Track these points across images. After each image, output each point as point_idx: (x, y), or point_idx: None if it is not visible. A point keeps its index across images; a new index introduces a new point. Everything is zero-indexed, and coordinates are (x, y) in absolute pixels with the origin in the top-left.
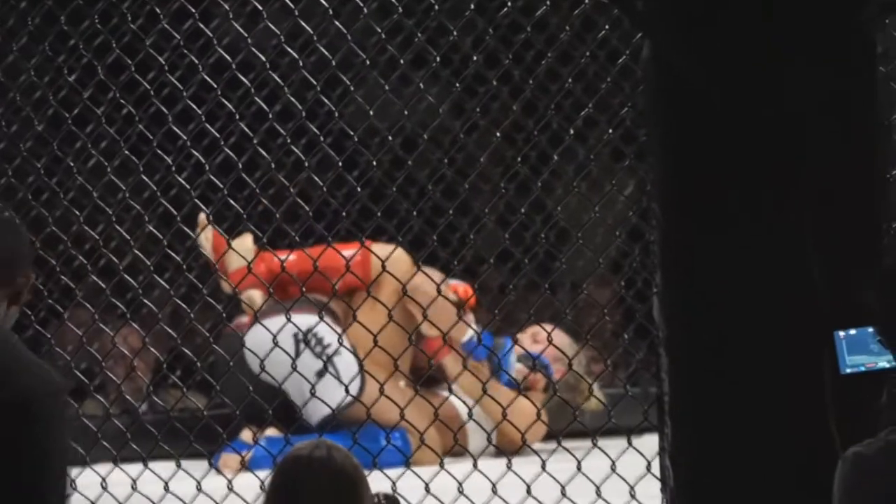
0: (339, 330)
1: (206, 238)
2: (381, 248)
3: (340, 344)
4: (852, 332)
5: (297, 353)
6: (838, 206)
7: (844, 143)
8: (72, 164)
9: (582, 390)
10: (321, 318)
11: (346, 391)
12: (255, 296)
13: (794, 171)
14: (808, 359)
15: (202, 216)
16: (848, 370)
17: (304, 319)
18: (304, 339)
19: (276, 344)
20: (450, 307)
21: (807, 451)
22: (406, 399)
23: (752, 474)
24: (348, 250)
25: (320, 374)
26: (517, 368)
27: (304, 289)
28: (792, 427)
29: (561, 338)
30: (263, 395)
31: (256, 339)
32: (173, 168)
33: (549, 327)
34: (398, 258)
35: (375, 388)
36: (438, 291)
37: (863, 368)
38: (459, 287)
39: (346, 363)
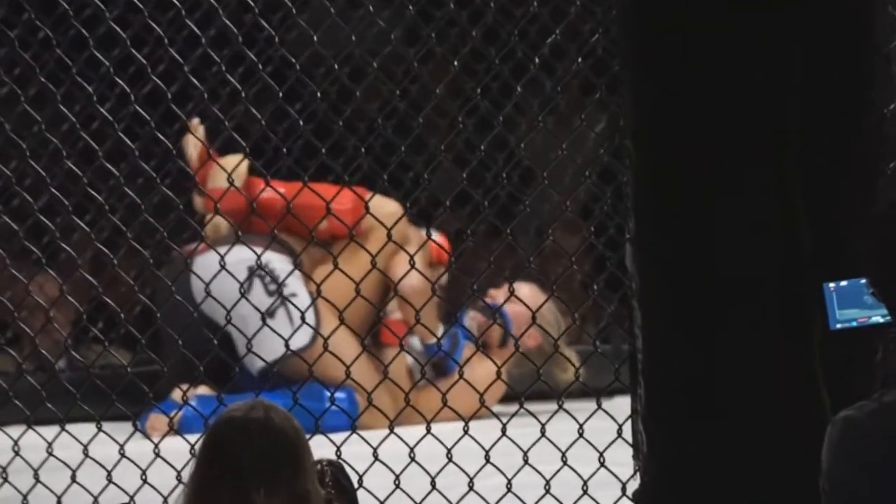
0: (297, 271)
1: (194, 144)
2: (379, 200)
3: (287, 277)
4: (843, 283)
5: (248, 287)
6: (827, 143)
7: (835, 74)
8: None
9: (560, 362)
10: (258, 256)
11: (286, 345)
12: (221, 223)
13: (782, 105)
14: (794, 313)
15: (196, 120)
16: (838, 325)
17: (263, 255)
18: (258, 271)
19: (222, 267)
20: (433, 310)
21: (793, 414)
22: (357, 352)
23: (732, 440)
24: (344, 197)
25: (270, 315)
26: (471, 315)
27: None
28: (777, 387)
29: (537, 297)
30: (200, 346)
31: (205, 267)
32: (95, 98)
33: (525, 286)
34: (392, 214)
35: (322, 344)
36: (433, 291)
37: (854, 324)
38: (437, 243)
39: (300, 306)
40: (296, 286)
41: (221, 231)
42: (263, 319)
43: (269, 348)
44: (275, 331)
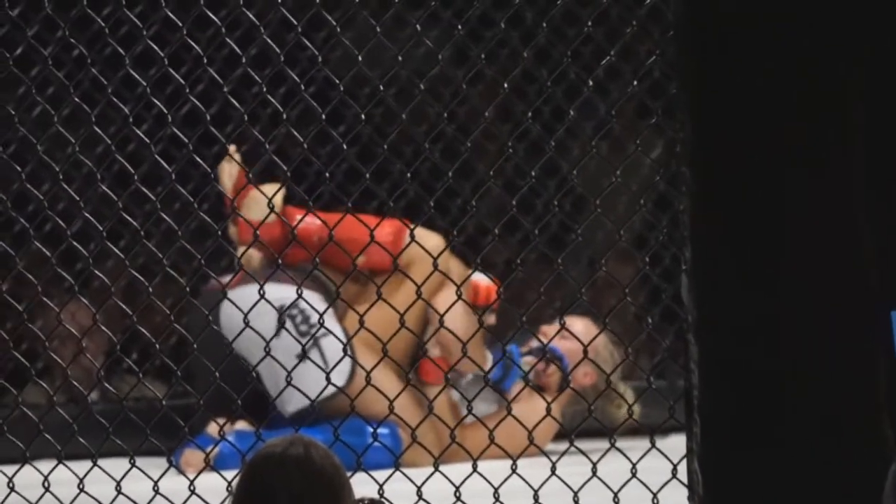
0: (328, 309)
1: (230, 174)
2: (419, 232)
3: (321, 324)
4: None
5: (278, 330)
6: (880, 159)
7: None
8: (13, 112)
9: (614, 399)
10: (299, 295)
11: (328, 379)
12: (254, 256)
13: (848, 126)
14: (861, 345)
15: (232, 147)
16: None
17: (293, 292)
18: (288, 314)
19: (246, 322)
20: (476, 352)
21: (855, 452)
22: (398, 390)
23: (791, 481)
24: (383, 230)
25: (301, 357)
26: (525, 361)
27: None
28: (840, 425)
29: (591, 334)
30: (233, 381)
31: (235, 308)
32: (131, 119)
33: (579, 321)
34: (434, 248)
35: (364, 379)
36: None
37: None
38: (482, 285)
39: (334, 346)
40: (330, 325)
41: (253, 264)
42: (289, 375)
43: (303, 391)
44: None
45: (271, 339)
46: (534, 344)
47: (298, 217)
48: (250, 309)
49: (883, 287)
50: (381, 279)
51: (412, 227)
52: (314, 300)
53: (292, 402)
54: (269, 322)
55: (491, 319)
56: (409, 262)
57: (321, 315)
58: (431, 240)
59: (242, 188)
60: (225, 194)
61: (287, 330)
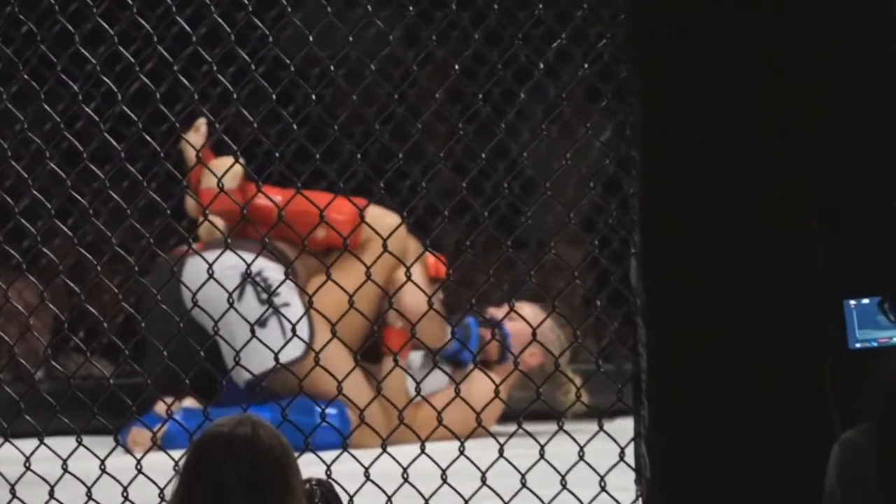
0: (290, 281)
1: (196, 143)
2: (378, 212)
3: (280, 287)
4: (864, 301)
5: (239, 295)
6: (848, 153)
7: (855, 80)
8: None
9: (562, 384)
10: (250, 262)
11: (276, 359)
12: (218, 223)
13: (801, 111)
14: (809, 331)
15: (202, 120)
16: (858, 345)
17: (255, 261)
18: (251, 278)
19: (210, 274)
20: (435, 323)
21: (800, 435)
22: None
23: (737, 463)
24: (342, 206)
25: (261, 325)
26: (481, 332)
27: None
28: (785, 408)
29: (539, 316)
30: (188, 355)
31: (195, 272)
32: (80, 97)
33: (527, 306)
34: (391, 226)
35: (313, 358)
36: (430, 304)
37: (875, 344)
38: (430, 260)
39: (294, 317)
40: (289, 296)
41: (216, 233)
42: (253, 331)
43: (259, 360)
44: (263, 343)
45: (231, 296)
46: (487, 316)
47: (254, 190)
48: (210, 265)
49: (836, 277)
50: (340, 254)
51: (367, 203)
52: (276, 271)
53: (246, 373)
54: (232, 285)
55: (441, 294)
56: (367, 238)
57: (280, 284)
58: (388, 218)
59: (195, 165)
60: (186, 167)
61: (255, 292)
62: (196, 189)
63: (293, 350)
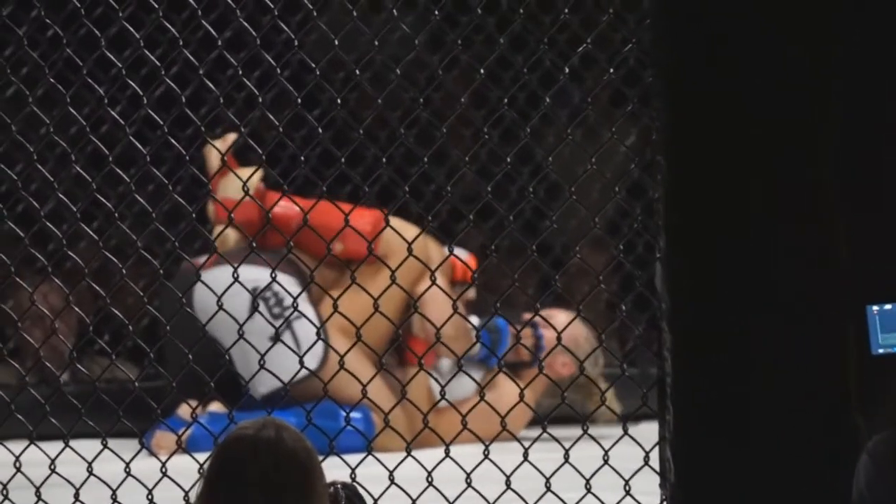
0: (302, 292)
1: (216, 155)
2: (397, 224)
3: (294, 308)
4: (887, 307)
5: (252, 312)
6: (871, 161)
7: (876, 76)
8: None
9: (593, 394)
10: (273, 277)
11: (301, 363)
12: (230, 236)
13: (823, 114)
14: (833, 336)
15: (232, 135)
16: (881, 350)
17: (268, 274)
18: (261, 296)
19: (220, 304)
20: (459, 324)
21: (827, 441)
22: (371, 375)
23: (763, 467)
24: (362, 218)
25: (274, 340)
26: (511, 333)
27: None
28: (811, 414)
29: (575, 327)
30: (209, 360)
31: (210, 285)
32: (105, 100)
33: (562, 313)
34: (408, 234)
35: (338, 362)
36: (454, 309)
37: None
38: (458, 262)
39: (308, 330)
40: (303, 309)
41: (229, 244)
42: (262, 358)
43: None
44: (267, 370)
45: (245, 321)
46: (522, 320)
47: (277, 201)
48: (224, 291)
49: (860, 282)
50: (358, 266)
51: (388, 215)
52: (289, 284)
53: (263, 385)
54: (243, 304)
55: (471, 294)
56: (387, 252)
57: (295, 299)
58: (409, 232)
59: (219, 170)
60: (208, 175)
61: (260, 313)
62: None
63: (309, 363)
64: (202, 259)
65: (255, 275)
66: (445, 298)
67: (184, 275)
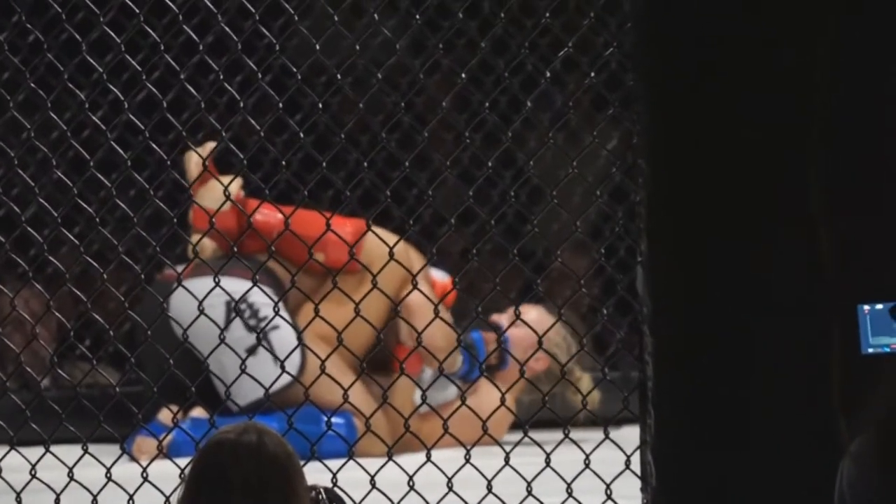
0: (279, 302)
1: (196, 162)
2: (378, 233)
3: (276, 312)
4: (879, 306)
5: (227, 324)
6: (853, 153)
7: (858, 78)
8: None
9: (572, 384)
10: (250, 287)
11: (282, 367)
12: (207, 245)
13: (805, 114)
14: (817, 338)
15: (211, 144)
16: (870, 350)
17: (243, 285)
18: (237, 308)
19: (201, 310)
20: (444, 331)
21: (810, 443)
22: (352, 379)
23: (744, 470)
24: (343, 227)
25: (252, 351)
26: (487, 340)
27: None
28: (794, 416)
29: (544, 320)
30: (187, 368)
31: (185, 299)
32: (87, 105)
33: (533, 309)
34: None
35: (317, 368)
36: (436, 313)
37: (888, 349)
38: (438, 283)
39: (284, 340)
40: (279, 318)
41: (206, 253)
42: (242, 364)
43: (251, 387)
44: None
45: (221, 333)
46: (491, 322)
47: (256, 208)
48: (200, 301)
49: (850, 282)
50: (340, 277)
51: (370, 221)
52: (265, 295)
53: (242, 396)
54: (218, 315)
55: (447, 316)
56: (369, 261)
57: (276, 304)
58: (390, 241)
59: (198, 176)
60: (187, 182)
61: (242, 320)
62: (193, 207)
63: (285, 374)
64: (180, 267)
65: (232, 286)
66: (432, 307)
67: (162, 284)
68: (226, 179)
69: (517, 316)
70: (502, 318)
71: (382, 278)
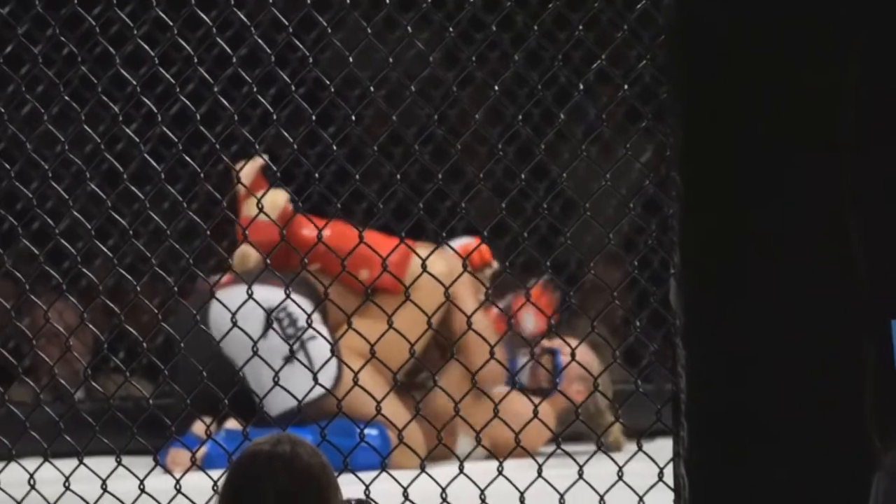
0: (314, 311)
1: (247, 175)
2: (421, 250)
3: (309, 325)
4: None
5: (265, 332)
6: (891, 171)
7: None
8: (2, 110)
9: (600, 426)
10: (287, 295)
11: (315, 380)
12: (251, 255)
13: (838, 135)
14: (852, 352)
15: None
16: None
17: (281, 296)
18: (275, 316)
19: (234, 321)
20: (487, 328)
21: (844, 458)
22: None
23: (777, 485)
24: (390, 248)
25: (288, 360)
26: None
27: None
28: (827, 430)
29: (586, 355)
30: (221, 380)
31: (223, 308)
32: (120, 118)
33: (573, 342)
34: (441, 274)
35: (351, 381)
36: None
37: None
38: (470, 249)
39: (322, 350)
40: (317, 330)
41: (249, 263)
42: (276, 375)
43: (286, 397)
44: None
45: (257, 340)
46: (544, 346)
47: (306, 224)
48: (238, 309)
49: (883, 296)
50: (383, 297)
51: (406, 239)
52: (305, 305)
53: (276, 405)
54: (256, 324)
55: (487, 274)
56: (415, 285)
57: (309, 316)
58: (438, 265)
59: (239, 191)
60: (237, 195)
61: (275, 330)
62: (239, 217)
63: (326, 381)
64: (216, 278)
65: (270, 295)
66: (489, 326)
67: (200, 292)
68: (276, 193)
69: (572, 352)
70: (553, 345)
71: (427, 299)
